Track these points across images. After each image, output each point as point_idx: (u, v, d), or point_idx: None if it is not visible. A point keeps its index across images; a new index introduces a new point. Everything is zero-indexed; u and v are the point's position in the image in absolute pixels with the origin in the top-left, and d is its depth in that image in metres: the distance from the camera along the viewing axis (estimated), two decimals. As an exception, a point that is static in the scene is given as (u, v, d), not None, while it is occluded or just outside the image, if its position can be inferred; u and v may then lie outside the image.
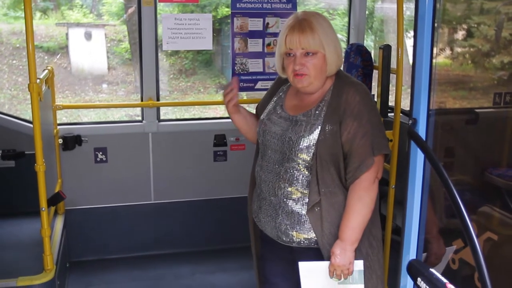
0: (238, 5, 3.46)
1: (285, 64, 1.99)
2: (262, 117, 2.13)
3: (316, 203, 1.92)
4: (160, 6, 4.16)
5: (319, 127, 1.91)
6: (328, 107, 1.94)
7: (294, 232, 1.97)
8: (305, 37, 1.89)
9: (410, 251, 1.73)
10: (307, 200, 1.94)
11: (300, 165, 1.93)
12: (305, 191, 1.94)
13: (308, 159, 1.92)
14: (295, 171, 1.94)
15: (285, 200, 1.97)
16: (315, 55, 1.91)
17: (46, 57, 9.25)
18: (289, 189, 1.96)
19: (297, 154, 1.92)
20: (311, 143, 1.91)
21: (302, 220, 1.96)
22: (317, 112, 1.95)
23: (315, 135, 1.91)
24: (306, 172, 1.93)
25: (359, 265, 1.92)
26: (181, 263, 3.64)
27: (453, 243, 1.94)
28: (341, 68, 2.06)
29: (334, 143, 1.89)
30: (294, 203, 1.96)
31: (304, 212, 1.95)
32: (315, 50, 1.90)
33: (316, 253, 1.97)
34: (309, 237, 1.96)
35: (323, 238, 1.93)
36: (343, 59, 3.36)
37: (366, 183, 1.89)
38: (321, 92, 1.99)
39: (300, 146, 1.92)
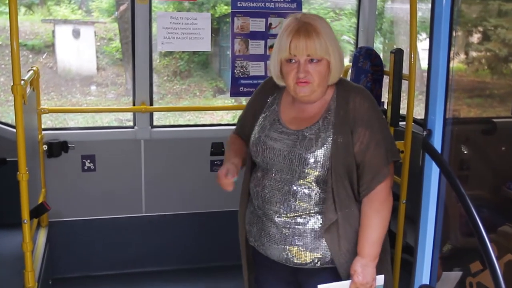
0: (239, 4, 3.46)
1: (284, 71, 1.94)
2: (256, 134, 2.05)
3: (333, 222, 1.91)
4: (155, 3, 4.16)
5: (330, 139, 1.90)
6: (335, 117, 1.93)
7: (308, 252, 1.95)
8: (312, 42, 1.87)
9: (423, 275, 1.72)
10: (320, 217, 1.93)
11: (312, 183, 1.92)
12: (319, 210, 1.93)
13: (321, 175, 1.90)
14: (307, 189, 1.93)
15: (296, 220, 1.95)
16: (320, 62, 1.89)
17: (30, 56, 9.27)
18: (302, 208, 1.93)
19: (310, 171, 1.90)
20: (325, 158, 1.89)
21: (317, 240, 1.94)
22: (325, 123, 1.93)
23: (327, 149, 1.89)
24: (319, 189, 1.92)
25: (380, 280, 1.93)
26: (174, 282, 3.62)
27: (470, 265, 1.92)
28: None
29: (347, 155, 1.89)
30: (307, 223, 1.94)
31: (318, 230, 1.93)
32: (321, 57, 1.89)
33: (330, 272, 1.96)
34: (324, 256, 1.95)
35: (340, 256, 1.93)
36: (352, 64, 3.37)
37: (382, 194, 1.90)
38: (323, 102, 1.97)
39: (312, 162, 1.89)
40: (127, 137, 3.60)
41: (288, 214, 1.95)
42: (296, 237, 1.95)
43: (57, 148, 3.43)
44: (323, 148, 1.89)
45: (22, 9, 9.39)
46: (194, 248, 3.77)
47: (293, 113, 2.02)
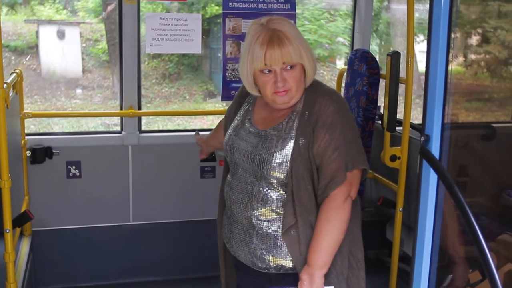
0: (230, 5, 3.47)
1: (260, 82, 1.95)
2: (229, 132, 2.13)
3: (291, 225, 1.92)
4: (143, 3, 4.16)
5: (292, 141, 1.92)
6: (300, 118, 1.94)
7: (270, 257, 1.97)
8: (286, 50, 1.88)
9: (421, 285, 1.73)
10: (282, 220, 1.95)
11: (273, 184, 1.94)
12: (281, 212, 1.95)
13: (282, 177, 1.92)
14: (268, 191, 1.95)
15: (259, 222, 1.97)
16: (295, 67, 1.91)
17: (13, 58, 9.24)
18: (263, 210, 1.96)
19: (270, 172, 1.93)
20: (284, 160, 1.91)
21: (279, 243, 1.96)
22: (288, 124, 1.95)
23: (287, 150, 1.91)
24: (282, 192, 1.94)
25: None
26: (163, 293, 3.61)
27: (469, 276, 1.94)
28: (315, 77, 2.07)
29: (308, 158, 1.90)
30: (269, 225, 1.96)
31: (280, 234, 1.95)
32: (296, 62, 1.91)
33: (294, 279, 1.96)
34: (287, 261, 1.97)
35: (301, 262, 1.93)
36: (348, 67, 3.38)
37: (336, 202, 1.88)
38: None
39: (273, 164, 1.92)
40: (114, 142, 3.59)
41: (251, 216, 1.98)
42: (259, 240, 1.98)
43: (41, 154, 3.42)
44: (284, 150, 1.92)
45: (4, 9, 9.36)
46: (184, 258, 3.76)
47: (265, 113, 2.06)
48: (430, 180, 1.68)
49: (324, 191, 1.89)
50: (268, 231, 1.96)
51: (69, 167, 3.50)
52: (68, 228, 3.57)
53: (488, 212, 2.60)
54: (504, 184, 2.71)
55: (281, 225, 1.94)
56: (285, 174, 1.91)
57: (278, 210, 1.95)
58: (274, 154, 1.92)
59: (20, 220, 2.84)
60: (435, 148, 1.67)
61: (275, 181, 1.93)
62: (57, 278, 3.57)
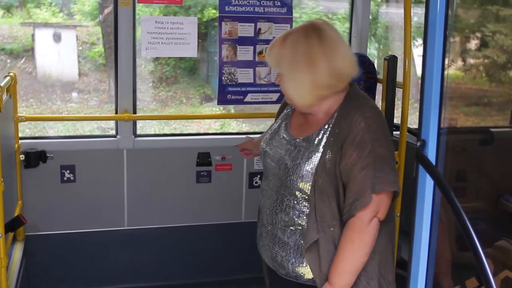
0: (226, 8, 3.47)
1: None
2: (266, 135, 2.16)
3: (314, 241, 1.91)
4: (139, 6, 4.16)
5: (319, 155, 1.90)
6: (330, 132, 1.92)
7: (289, 265, 1.98)
8: (271, 52, 1.98)
9: (418, 290, 1.72)
10: (304, 232, 1.94)
11: (297, 196, 1.93)
12: (303, 223, 1.94)
13: (306, 189, 1.91)
14: (292, 201, 1.95)
15: (281, 230, 1.98)
16: (279, 74, 1.97)
17: (8, 61, 9.23)
18: (286, 219, 1.96)
19: (293, 183, 1.92)
20: (309, 173, 1.90)
21: (299, 254, 1.96)
22: (318, 137, 1.94)
23: (313, 164, 1.90)
24: (305, 203, 1.93)
25: None
26: (157, 299, 3.60)
27: (466, 282, 1.94)
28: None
29: (335, 174, 1.87)
30: (290, 235, 1.96)
31: (301, 245, 1.95)
32: (275, 67, 1.97)
33: None
34: (306, 273, 1.96)
35: (321, 277, 1.92)
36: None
37: (360, 223, 1.85)
38: (328, 111, 1.97)
39: (296, 175, 1.91)
40: (109, 146, 3.58)
41: (275, 222, 2.00)
42: (280, 247, 2.00)
43: (34, 158, 3.41)
44: (309, 162, 1.90)
45: (0, 12, 9.36)
46: (179, 264, 3.75)
47: (302, 119, 2.06)
48: (426, 186, 1.68)
49: (349, 210, 1.86)
50: (289, 240, 1.96)
51: (63, 171, 3.49)
52: (62, 233, 3.56)
53: (486, 217, 2.60)
54: (503, 189, 2.72)
55: (302, 236, 1.93)
56: (308, 187, 1.90)
57: (300, 221, 1.94)
58: (299, 166, 1.92)
59: (13, 225, 2.83)
60: (431, 153, 1.67)
61: (299, 192, 1.92)
62: (50, 284, 3.55)
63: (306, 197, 1.92)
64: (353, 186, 1.85)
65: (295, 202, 1.94)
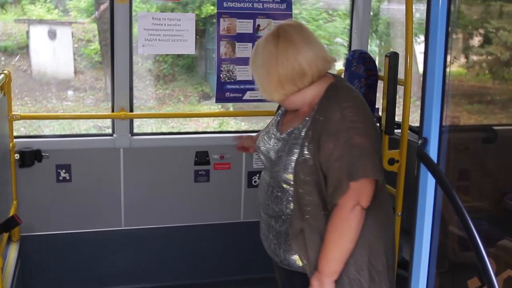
0: (225, 4, 3.47)
1: None
2: (262, 131, 2.31)
3: (299, 230, 2.00)
4: (136, 2, 4.16)
5: (298, 147, 2.00)
6: (310, 125, 2.01)
7: (281, 252, 2.09)
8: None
9: (419, 290, 1.73)
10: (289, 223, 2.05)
11: (283, 186, 2.04)
12: (291, 214, 2.03)
13: (287, 180, 2.02)
14: (279, 192, 2.06)
15: (272, 220, 2.11)
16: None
17: (3, 58, 9.24)
18: (276, 209, 2.08)
19: (278, 175, 2.04)
20: (290, 165, 2.00)
21: (288, 242, 2.05)
22: (299, 131, 2.04)
23: (293, 156, 2.00)
24: (290, 194, 2.03)
25: None
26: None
27: (468, 282, 1.94)
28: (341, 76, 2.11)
29: (315, 166, 1.95)
30: (282, 224, 2.07)
31: (289, 236, 2.04)
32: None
33: (303, 279, 2.04)
34: (295, 260, 2.06)
35: (310, 265, 2.00)
36: (345, 68, 3.38)
37: (342, 211, 1.91)
38: (310, 105, 2.06)
39: (279, 167, 2.04)
40: (105, 145, 3.58)
41: (268, 213, 2.13)
42: (273, 236, 2.12)
43: (30, 157, 3.41)
44: (290, 155, 2.02)
45: (-6, 8, 9.36)
46: (177, 264, 3.75)
47: (291, 115, 2.17)
48: (428, 184, 1.69)
49: (331, 200, 1.94)
50: (281, 229, 2.07)
51: (58, 170, 3.49)
52: (58, 234, 3.56)
53: (488, 216, 2.60)
54: (506, 188, 2.72)
55: (290, 228, 2.04)
56: (290, 178, 2.01)
57: (288, 212, 2.04)
58: (281, 158, 2.04)
59: (8, 225, 2.83)
60: (433, 152, 1.67)
61: (285, 184, 2.03)
62: (46, 285, 3.56)
63: (292, 188, 2.01)
64: (331, 175, 1.92)
65: (282, 193, 2.05)
